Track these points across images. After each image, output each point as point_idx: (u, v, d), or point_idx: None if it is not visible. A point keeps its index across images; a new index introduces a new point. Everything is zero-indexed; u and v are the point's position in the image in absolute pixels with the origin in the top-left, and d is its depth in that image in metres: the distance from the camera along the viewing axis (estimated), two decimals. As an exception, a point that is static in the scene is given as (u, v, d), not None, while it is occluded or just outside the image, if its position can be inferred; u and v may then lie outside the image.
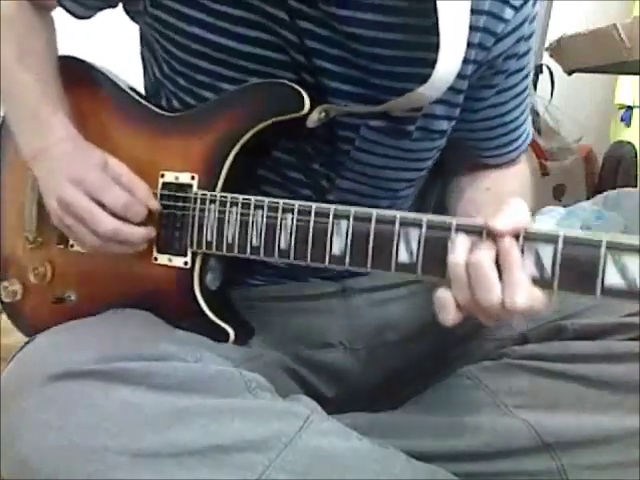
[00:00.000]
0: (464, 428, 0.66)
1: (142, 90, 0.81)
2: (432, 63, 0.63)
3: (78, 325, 0.69)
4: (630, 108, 2.32)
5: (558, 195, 2.08)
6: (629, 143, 2.22)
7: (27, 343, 0.68)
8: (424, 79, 0.64)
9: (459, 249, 0.56)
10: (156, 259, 0.71)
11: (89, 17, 0.80)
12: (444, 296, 0.57)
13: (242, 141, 0.68)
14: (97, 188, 0.67)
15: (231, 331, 0.71)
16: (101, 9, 0.79)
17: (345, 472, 0.59)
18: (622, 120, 2.34)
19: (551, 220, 1.68)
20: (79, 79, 0.78)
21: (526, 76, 0.76)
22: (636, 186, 1.93)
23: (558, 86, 2.10)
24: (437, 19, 0.61)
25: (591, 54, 1.56)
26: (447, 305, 0.56)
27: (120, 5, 0.77)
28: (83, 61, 0.80)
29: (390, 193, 0.77)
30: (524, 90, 0.77)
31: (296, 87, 0.66)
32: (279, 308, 0.78)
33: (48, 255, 0.78)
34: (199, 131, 0.70)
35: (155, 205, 0.69)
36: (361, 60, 0.67)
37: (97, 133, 0.74)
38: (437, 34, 0.61)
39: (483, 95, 0.74)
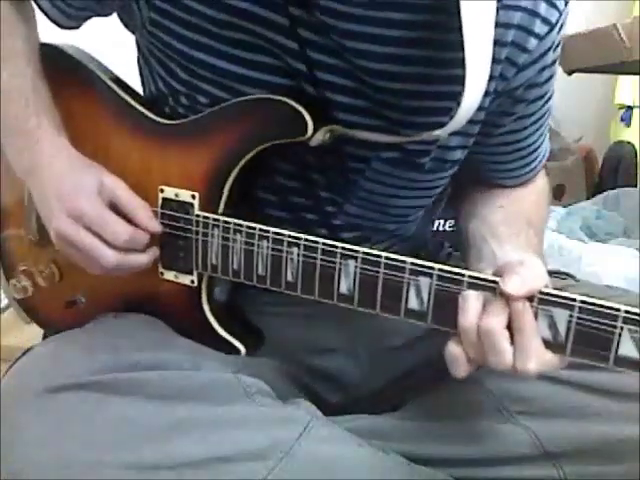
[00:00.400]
0: (466, 433, 0.66)
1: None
2: (446, 95, 0.62)
3: (76, 334, 0.69)
4: (630, 108, 2.31)
5: (558, 195, 2.07)
6: (629, 143, 2.22)
7: (25, 353, 0.67)
8: (437, 111, 0.62)
9: (470, 311, 0.55)
10: (162, 274, 0.70)
11: (76, 27, 0.75)
12: (455, 352, 0.56)
13: (243, 162, 0.66)
14: (96, 224, 0.64)
15: (242, 348, 0.71)
16: (87, 19, 0.74)
17: (344, 479, 0.59)
18: (622, 120, 2.33)
19: (551, 220, 1.67)
20: (63, 77, 0.73)
21: (547, 101, 0.73)
22: (636, 186, 1.93)
23: (558, 86, 2.10)
24: (463, 56, 0.57)
25: (591, 54, 1.56)
26: (458, 360, 0.56)
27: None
28: (66, 53, 0.74)
29: (399, 219, 0.75)
30: (544, 115, 0.74)
31: (299, 109, 0.63)
32: (279, 313, 0.77)
33: (53, 256, 0.77)
34: (199, 145, 0.68)
35: (156, 227, 0.67)
36: (373, 93, 0.64)
37: (88, 141, 0.71)
38: (461, 67, 0.58)
39: (502, 122, 0.71)
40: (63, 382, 0.59)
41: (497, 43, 0.59)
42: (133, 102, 0.72)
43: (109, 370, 0.60)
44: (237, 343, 0.70)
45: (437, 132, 0.61)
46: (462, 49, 0.56)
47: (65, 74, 0.74)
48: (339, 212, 0.72)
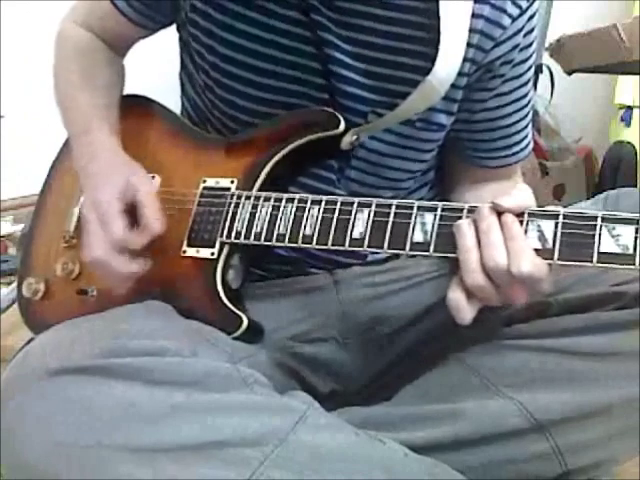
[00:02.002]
0: (456, 414, 0.66)
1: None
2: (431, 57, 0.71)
3: (79, 322, 0.69)
4: (630, 108, 2.31)
5: (558, 195, 2.07)
6: (629, 143, 2.22)
7: (28, 342, 0.68)
8: (423, 70, 0.72)
9: (467, 234, 0.62)
10: (185, 252, 0.75)
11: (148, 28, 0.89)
12: (454, 296, 0.61)
13: (283, 152, 0.75)
14: (102, 216, 0.72)
15: (245, 318, 0.72)
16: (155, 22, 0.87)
17: (341, 468, 0.59)
18: (622, 120, 2.33)
19: (551, 220, 1.67)
20: (144, 109, 0.90)
21: (524, 84, 0.81)
22: (636, 186, 1.93)
23: (558, 86, 2.10)
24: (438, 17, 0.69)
25: (591, 54, 1.56)
26: (460, 303, 0.61)
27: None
28: (149, 98, 0.91)
29: (392, 183, 0.81)
30: (522, 97, 0.82)
31: (333, 112, 0.75)
32: (271, 304, 0.79)
33: (79, 255, 0.81)
34: (243, 146, 0.78)
35: (156, 227, 0.72)
36: (371, 53, 0.74)
37: (153, 149, 0.84)
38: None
39: (481, 97, 0.80)
40: (63, 365, 0.59)
41: (474, 15, 0.72)
42: (190, 124, 0.86)
43: (109, 355, 0.60)
44: (240, 313, 0.73)
45: (428, 77, 0.71)
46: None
47: (145, 109, 0.90)
48: (341, 177, 0.79)
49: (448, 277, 0.78)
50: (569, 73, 1.71)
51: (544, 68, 2.06)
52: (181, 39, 0.86)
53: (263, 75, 0.76)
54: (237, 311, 0.73)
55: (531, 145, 0.88)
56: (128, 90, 0.93)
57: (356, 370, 0.81)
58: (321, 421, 0.62)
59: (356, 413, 0.70)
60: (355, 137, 0.75)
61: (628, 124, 2.31)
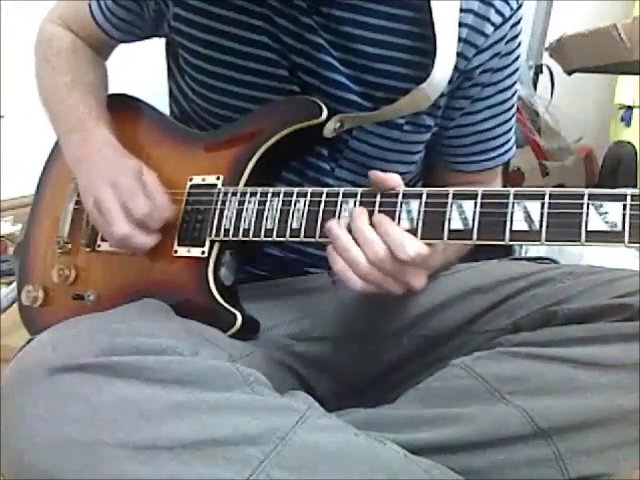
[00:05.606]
0: (458, 418, 0.66)
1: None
2: (423, 66, 0.73)
3: (79, 321, 0.70)
4: (630, 108, 2.31)
5: (558, 195, 2.07)
6: (629, 143, 2.22)
7: (29, 342, 0.68)
8: (419, 80, 0.73)
9: (342, 235, 0.65)
10: (176, 252, 0.76)
11: (125, 41, 0.92)
12: (339, 268, 0.65)
13: (267, 145, 0.75)
14: (125, 193, 0.75)
15: (239, 315, 0.73)
16: (131, 34, 0.89)
17: (341, 468, 0.59)
18: (622, 120, 2.33)
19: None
20: (130, 109, 0.91)
21: (503, 90, 0.82)
22: (636, 186, 1.93)
23: (558, 86, 2.10)
24: (433, 28, 0.71)
25: (591, 54, 1.56)
26: (345, 272, 0.65)
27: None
28: (134, 97, 0.93)
29: None
30: (501, 103, 0.83)
31: (315, 99, 0.75)
32: (270, 304, 0.80)
33: (74, 260, 0.85)
34: (227, 141, 0.78)
35: (169, 214, 0.76)
36: (357, 59, 0.75)
37: (140, 148, 0.84)
38: (433, 40, 0.71)
39: (459, 105, 0.81)
40: (63, 364, 0.59)
41: (459, 25, 0.73)
42: (175, 122, 0.88)
43: (109, 353, 0.60)
44: (234, 310, 0.74)
45: (423, 85, 0.72)
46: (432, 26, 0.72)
47: (132, 108, 0.92)
48: (332, 177, 0.80)
49: (444, 279, 0.78)
50: (569, 73, 1.71)
51: (544, 68, 2.06)
52: (167, 46, 0.87)
53: (251, 75, 0.77)
54: (231, 308, 0.73)
55: (513, 150, 0.89)
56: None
57: (355, 371, 0.81)
58: (321, 421, 0.62)
59: (357, 415, 0.70)
60: (339, 124, 0.75)
61: (628, 124, 2.31)
